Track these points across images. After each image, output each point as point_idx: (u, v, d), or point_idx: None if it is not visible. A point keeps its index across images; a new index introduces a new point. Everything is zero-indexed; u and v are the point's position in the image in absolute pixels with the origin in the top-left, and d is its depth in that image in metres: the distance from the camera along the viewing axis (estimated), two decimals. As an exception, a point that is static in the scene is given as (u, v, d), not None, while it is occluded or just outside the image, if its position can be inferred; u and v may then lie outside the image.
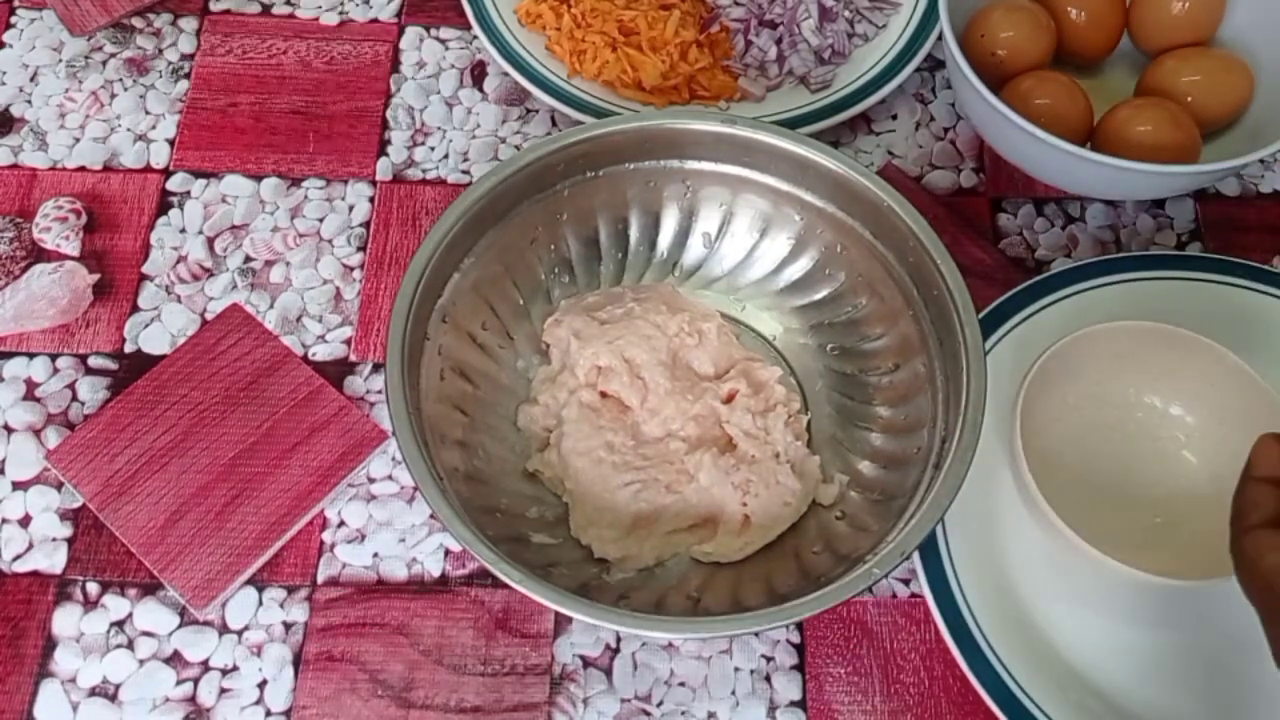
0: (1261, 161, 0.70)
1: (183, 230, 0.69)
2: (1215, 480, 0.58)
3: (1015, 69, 0.68)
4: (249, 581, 0.59)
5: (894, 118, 0.75)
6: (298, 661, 0.57)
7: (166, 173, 0.71)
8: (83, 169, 0.71)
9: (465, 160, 0.72)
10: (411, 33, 0.78)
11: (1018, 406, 0.55)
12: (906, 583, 0.60)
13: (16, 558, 0.60)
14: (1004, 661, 0.54)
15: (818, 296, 0.64)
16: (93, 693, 0.57)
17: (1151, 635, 0.57)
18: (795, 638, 0.59)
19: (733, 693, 0.57)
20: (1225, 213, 0.72)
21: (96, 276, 0.67)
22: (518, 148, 0.73)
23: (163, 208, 0.70)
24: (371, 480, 0.62)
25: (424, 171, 0.72)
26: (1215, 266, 0.66)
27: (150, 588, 0.59)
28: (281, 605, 0.59)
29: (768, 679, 0.58)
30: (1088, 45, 0.72)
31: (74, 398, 0.64)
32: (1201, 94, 0.68)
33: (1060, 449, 0.59)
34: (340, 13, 0.78)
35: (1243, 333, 0.62)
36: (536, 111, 0.75)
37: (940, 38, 0.72)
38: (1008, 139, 0.67)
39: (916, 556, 0.57)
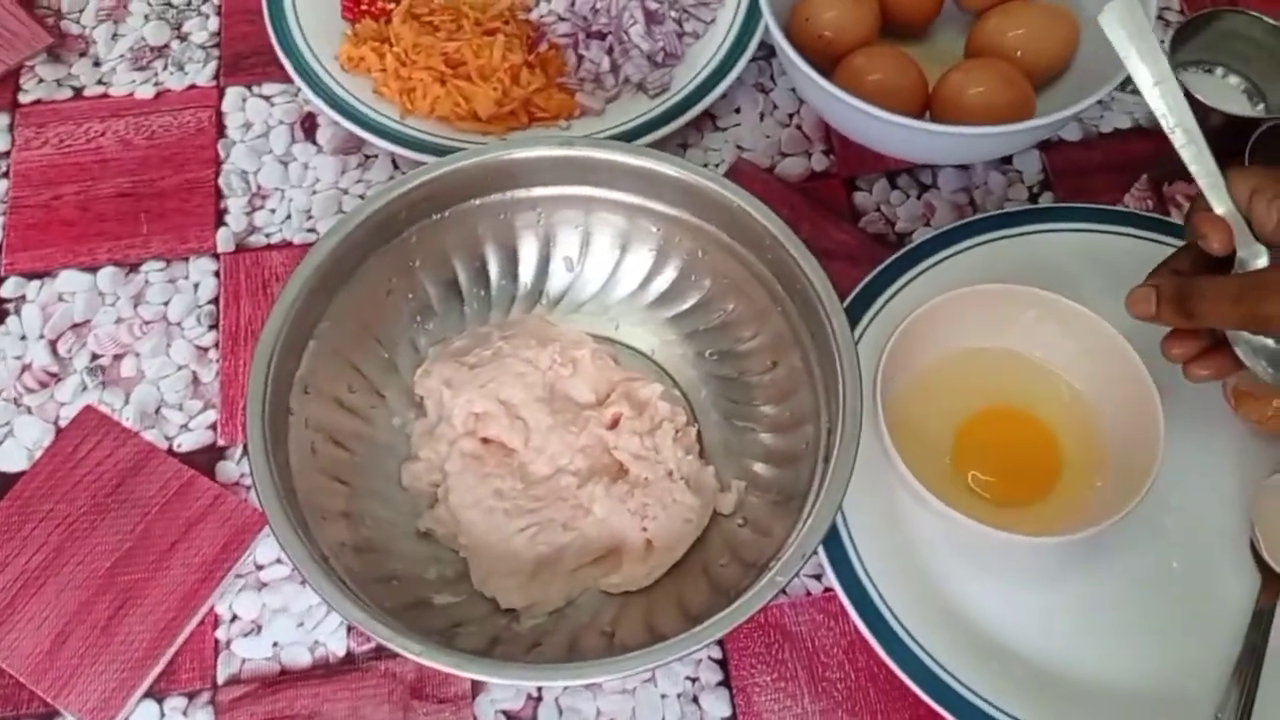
0: (1100, 103, 0.71)
1: (23, 337, 0.66)
2: (1082, 431, 0.59)
3: (844, 48, 0.68)
4: (147, 694, 0.57)
5: (737, 111, 0.75)
6: (210, 770, 0.55)
7: (-2, 280, 0.68)
8: (-97, 289, 0.67)
9: (309, 218, 0.70)
10: (233, 94, 0.75)
11: (876, 385, 0.56)
12: (818, 578, 0.60)
13: (-110, 715, 0.56)
14: (922, 644, 0.54)
15: (687, 305, 0.63)
16: (-6, 843, 0.54)
17: (1056, 591, 0.58)
18: (717, 653, 0.58)
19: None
20: (1071, 159, 0.73)
21: (-64, 401, 0.63)
22: (362, 197, 0.71)
23: (-2, 317, 0.67)
24: (259, 567, 0.60)
25: (267, 236, 0.69)
26: (1067, 215, 0.67)
27: (46, 716, 0.56)
28: (184, 714, 0.56)
29: (695, 700, 0.57)
30: (911, 13, 0.73)
31: (-71, 533, 0.60)
32: (1029, 47, 0.68)
33: (929, 420, 0.60)
34: (155, 84, 0.75)
35: (1100, 275, 0.63)
36: (375, 157, 0.72)
37: (769, 26, 0.71)
38: (848, 120, 0.67)
39: (823, 553, 0.56)
